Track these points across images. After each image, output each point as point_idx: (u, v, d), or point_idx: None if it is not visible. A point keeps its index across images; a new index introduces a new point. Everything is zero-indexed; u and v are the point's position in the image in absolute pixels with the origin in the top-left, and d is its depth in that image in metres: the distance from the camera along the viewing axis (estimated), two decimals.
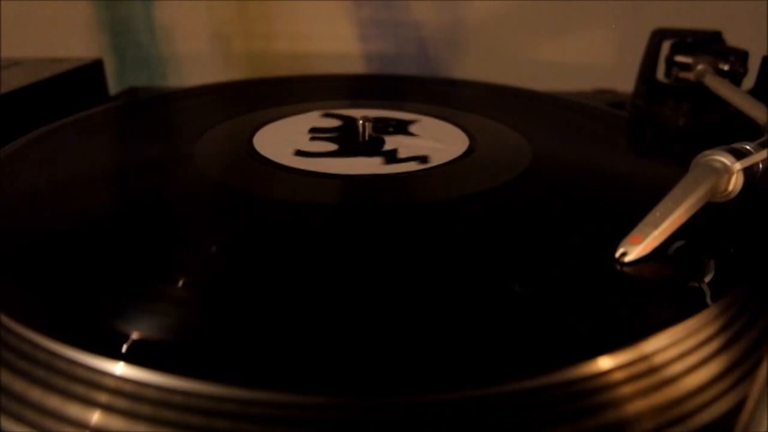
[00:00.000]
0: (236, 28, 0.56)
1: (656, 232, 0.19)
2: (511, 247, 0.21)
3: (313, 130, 0.31)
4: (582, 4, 0.54)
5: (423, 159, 0.28)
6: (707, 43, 0.36)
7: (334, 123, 0.33)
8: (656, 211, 0.20)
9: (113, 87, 0.49)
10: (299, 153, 0.28)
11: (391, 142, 0.30)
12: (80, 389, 0.15)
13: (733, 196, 0.21)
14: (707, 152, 0.21)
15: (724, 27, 0.37)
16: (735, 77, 0.34)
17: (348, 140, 0.30)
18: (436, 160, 0.28)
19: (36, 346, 0.16)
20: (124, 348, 0.15)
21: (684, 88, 0.35)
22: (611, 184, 0.27)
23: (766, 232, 0.22)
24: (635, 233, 0.19)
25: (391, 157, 0.28)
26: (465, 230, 0.22)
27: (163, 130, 0.34)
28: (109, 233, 0.22)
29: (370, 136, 0.30)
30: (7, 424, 0.15)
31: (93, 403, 0.15)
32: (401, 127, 0.32)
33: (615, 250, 0.19)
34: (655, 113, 0.36)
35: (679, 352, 0.16)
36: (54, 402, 0.15)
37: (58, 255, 0.20)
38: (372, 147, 0.29)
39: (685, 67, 0.35)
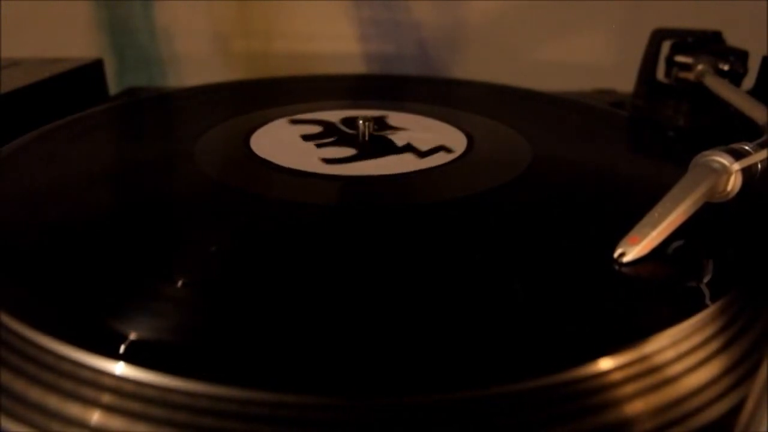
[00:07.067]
0: (236, 28, 0.56)
1: (655, 233, 0.19)
2: (511, 247, 0.21)
3: (311, 136, 0.31)
4: (582, 4, 0.54)
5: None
6: (707, 43, 0.36)
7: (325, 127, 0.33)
8: (655, 212, 0.20)
9: (113, 87, 0.49)
10: (325, 161, 0.28)
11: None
12: (80, 389, 0.15)
13: (732, 196, 0.21)
14: (706, 152, 0.21)
15: (724, 27, 0.37)
16: (735, 77, 0.34)
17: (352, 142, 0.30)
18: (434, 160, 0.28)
19: (35, 345, 0.16)
20: (123, 348, 0.15)
21: (684, 88, 0.35)
22: (611, 184, 0.27)
23: (765, 232, 0.22)
24: (634, 233, 0.19)
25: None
26: (465, 230, 0.22)
27: (163, 130, 0.34)
28: (108, 233, 0.22)
29: (371, 136, 0.30)
30: (7, 423, 0.15)
31: (93, 403, 0.15)
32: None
33: (614, 250, 0.19)
34: (655, 113, 0.36)
35: (678, 353, 0.16)
36: (54, 402, 0.15)
37: (58, 255, 0.20)
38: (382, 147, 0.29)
39: (685, 67, 0.35)
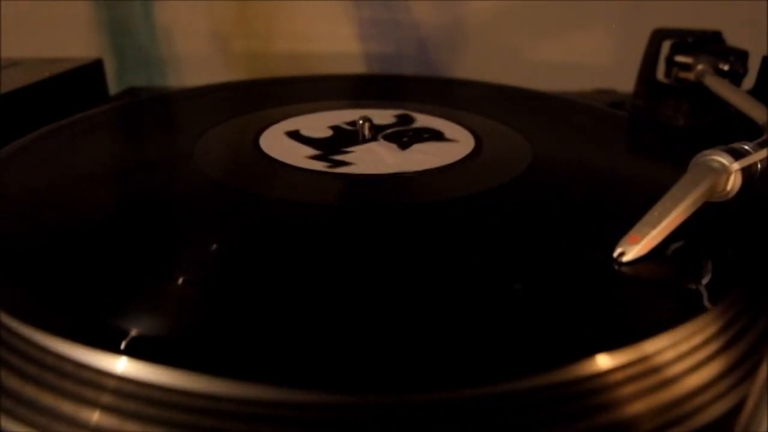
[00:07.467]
0: (236, 28, 0.56)
1: (654, 232, 0.19)
2: (511, 246, 0.21)
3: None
4: (582, 4, 0.54)
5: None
6: (707, 43, 0.35)
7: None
8: (654, 211, 0.20)
9: (113, 87, 0.49)
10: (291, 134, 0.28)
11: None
12: (80, 389, 0.15)
13: (731, 195, 0.21)
14: (706, 152, 0.21)
15: (724, 27, 0.37)
16: (735, 77, 0.34)
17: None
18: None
19: (35, 345, 0.16)
20: (125, 346, 0.15)
21: (684, 88, 0.35)
22: (611, 184, 0.27)
23: (765, 232, 0.22)
24: (633, 233, 0.19)
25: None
26: (465, 230, 0.22)
27: (163, 130, 0.34)
28: (108, 232, 0.22)
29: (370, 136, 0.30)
30: (7, 423, 0.15)
31: (93, 403, 0.15)
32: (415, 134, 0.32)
33: (613, 249, 0.19)
34: (655, 113, 0.36)
35: (678, 353, 0.16)
36: (54, 401, 0.15)
37: (59, 254, 0.20)
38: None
39: (685, 67, 0.35)
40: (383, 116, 0.33)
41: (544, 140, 0.31)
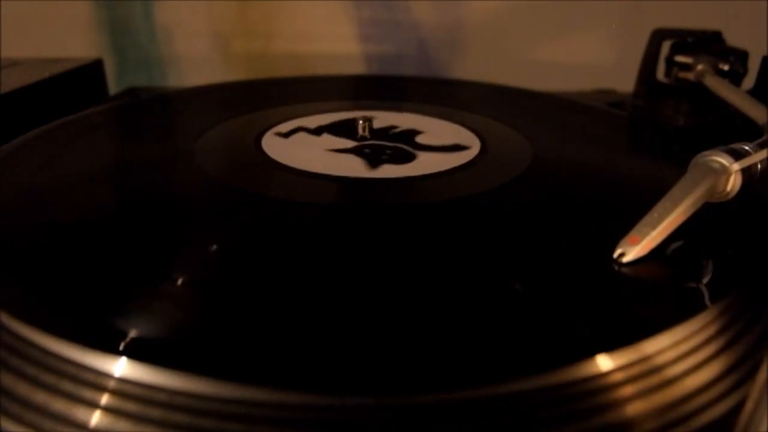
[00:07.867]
0: (236, 28, 0.56)
1: (654, 233, 0.19)
2: (511, 247, 0.21)
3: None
4: (582, 4, 0.54)
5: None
6: (707, 43, 0.36)
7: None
8: (654, 212, 0.20)
9: (113, 87, 0.49)
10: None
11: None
12: (78, 389, 0.15)
13: (731, 196, 0.21)
14: (706, 153, 0.21)
15: (724, 27, 0.37)
16: (735, 77, 0.34)
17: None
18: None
19: (33, 344, 0.16)
20: (124, 347, 0.15)
21: (684, 88, 0.35)
22: (611, 184, 0.27)
23: (765, 233, 0.22)
24: (633, 234, 0.19)
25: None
26: (465, 230, 0.22)
27: (163, 130, 0.34)
28: (108, 232, 0.22)
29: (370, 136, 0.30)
30: (6, 424, 0.15)
31: (92, 403, 0.15)
32: (409, 138, 0.31)
33: (614, 250, 0.19)
34: (655, 113, 0.36)
35: (679, 353, 0.16)
36: (50, 401, 0.15)
37: (58, 254, 0.20)
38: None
39: (685, 67, 0.35)
40: (441, 134, 0.32)
41: (544, 140, 0.31)
